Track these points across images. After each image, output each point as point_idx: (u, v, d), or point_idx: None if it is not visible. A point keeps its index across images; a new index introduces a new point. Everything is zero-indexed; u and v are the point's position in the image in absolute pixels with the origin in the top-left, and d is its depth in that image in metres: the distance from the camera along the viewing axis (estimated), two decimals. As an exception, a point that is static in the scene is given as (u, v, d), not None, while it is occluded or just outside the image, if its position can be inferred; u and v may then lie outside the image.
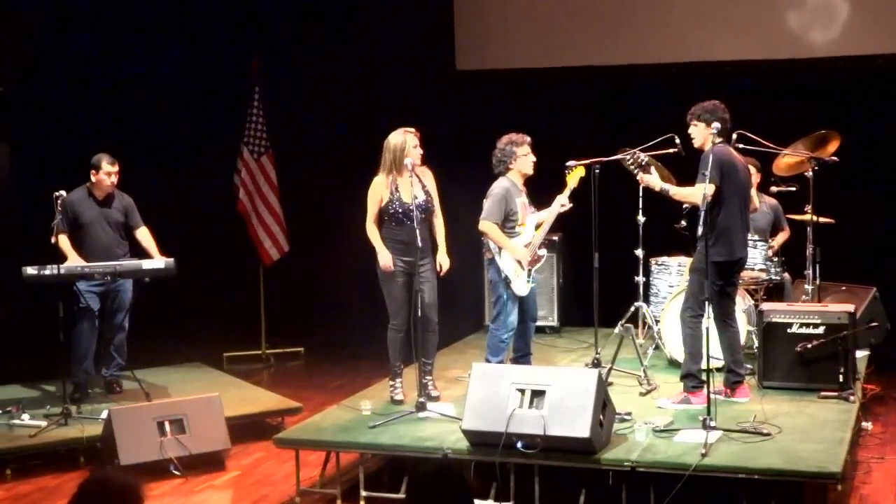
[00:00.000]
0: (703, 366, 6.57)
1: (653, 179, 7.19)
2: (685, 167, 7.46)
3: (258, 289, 10.44)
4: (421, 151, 7.28)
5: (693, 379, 7.05)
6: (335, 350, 10.42)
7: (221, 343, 10.23)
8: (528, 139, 7.50)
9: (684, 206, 7.22)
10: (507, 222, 7.42)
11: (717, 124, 6.84)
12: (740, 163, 7.11)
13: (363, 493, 6.46)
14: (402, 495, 6.31)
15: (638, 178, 7.25)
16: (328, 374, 9.77)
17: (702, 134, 7.02)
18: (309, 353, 10.57)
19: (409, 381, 7.39)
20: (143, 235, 8.22)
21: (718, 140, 6.92)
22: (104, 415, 7.14)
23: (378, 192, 7.26)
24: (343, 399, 7.57)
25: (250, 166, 10.21)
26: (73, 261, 7.79)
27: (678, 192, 7.12)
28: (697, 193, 6.79)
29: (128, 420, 6.96)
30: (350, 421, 6.87)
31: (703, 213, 6.72)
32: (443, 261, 7.42)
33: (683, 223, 7.24)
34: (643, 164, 7.25)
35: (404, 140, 7.21)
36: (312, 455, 6.85)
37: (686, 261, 8.47)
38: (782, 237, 8.69)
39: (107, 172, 8.00)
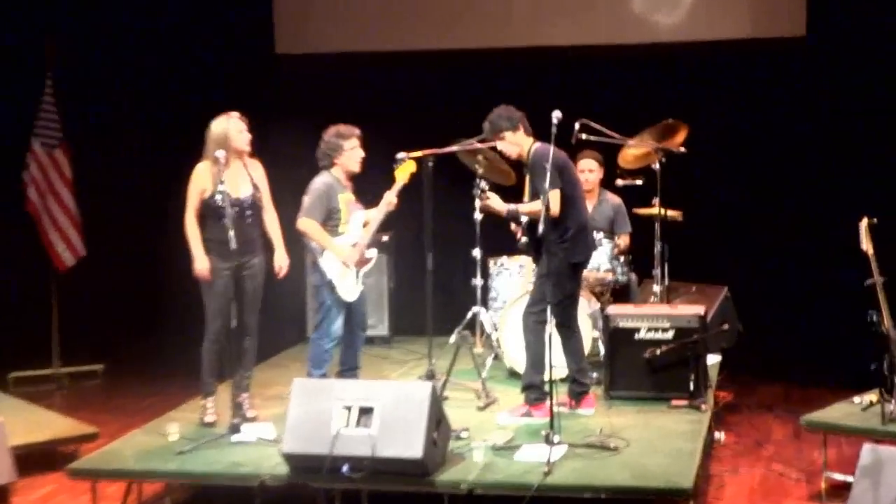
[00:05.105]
0: (546, 377, 6.52)
1: (496, 203, 7.16)
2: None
3: (50, 299, 10.13)
4: (249, 136, 7.13)
5: (535, 391, 7.07)
6: (139, 368, 10.20)
7: (7, 362, 9.88)
8: (358, 132, 7.45)
9: (522, 222, 7.15)
10: (330, 220, 7.34)
11: (521, 124, 7.02)
12: (566, 155, 7.16)
13: (169, 528, 6.28)
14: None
15: (482, 203, 7.28)
16: (130, 396, 9.54)
17: (516, 142, 7.07)
18: (108, 371, 10.31)
19: (223, 400, 7.25)
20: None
21: (531, 141, 7.02)
22: None
23: (201, 181, 7.02)
24: (147, 422, 7.37)
25: (41, 160, 9.93)
26: None
27: (528, 209, 7.06)
28: (549, 205, 6.66)
29: None
30: (154, 447, 6.71)
31: (542, 223, 6.57)
32: (282, 261, 7.29)
33: (524, 239, 7.18)
34: (484, 189, 7.30)
35: (227, 126, 7.05)
36: (111, 486, 6.63)
37: (528, 261, 8.46)
38: (622, 243, 8.54)
39: None
